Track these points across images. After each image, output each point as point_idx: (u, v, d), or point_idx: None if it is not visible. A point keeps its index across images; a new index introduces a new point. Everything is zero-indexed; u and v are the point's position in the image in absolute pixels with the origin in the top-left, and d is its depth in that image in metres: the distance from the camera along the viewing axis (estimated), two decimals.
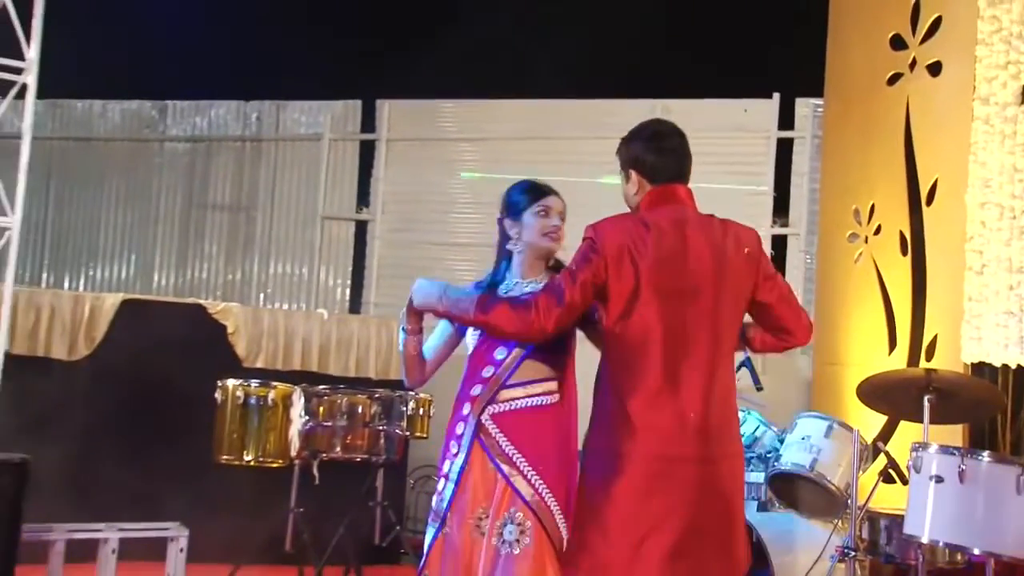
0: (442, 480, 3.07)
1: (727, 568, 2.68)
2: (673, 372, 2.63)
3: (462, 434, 3.03)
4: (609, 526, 2.62)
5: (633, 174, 2.81)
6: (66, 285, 8.40)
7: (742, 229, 2.80)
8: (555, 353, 3.08)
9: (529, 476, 2.96)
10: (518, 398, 3.02)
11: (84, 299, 5.70)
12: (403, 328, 3.07)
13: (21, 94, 5.22)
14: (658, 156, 2.79)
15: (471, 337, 3.14)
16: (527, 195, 3.16)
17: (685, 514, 2.60)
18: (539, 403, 3.03)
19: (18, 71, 5.08)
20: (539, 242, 3.11)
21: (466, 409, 3.04)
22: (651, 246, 2.66)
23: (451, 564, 2.98)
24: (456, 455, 3.04)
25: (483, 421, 3.02)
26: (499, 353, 3.03)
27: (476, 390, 3.03)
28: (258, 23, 7.91)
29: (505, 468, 2.97)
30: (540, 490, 2.95)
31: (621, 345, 2.68)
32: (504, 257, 3.20)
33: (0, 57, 5.02)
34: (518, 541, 2.92)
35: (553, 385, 3.05)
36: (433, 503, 3.09)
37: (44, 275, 8.52)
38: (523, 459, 2.98)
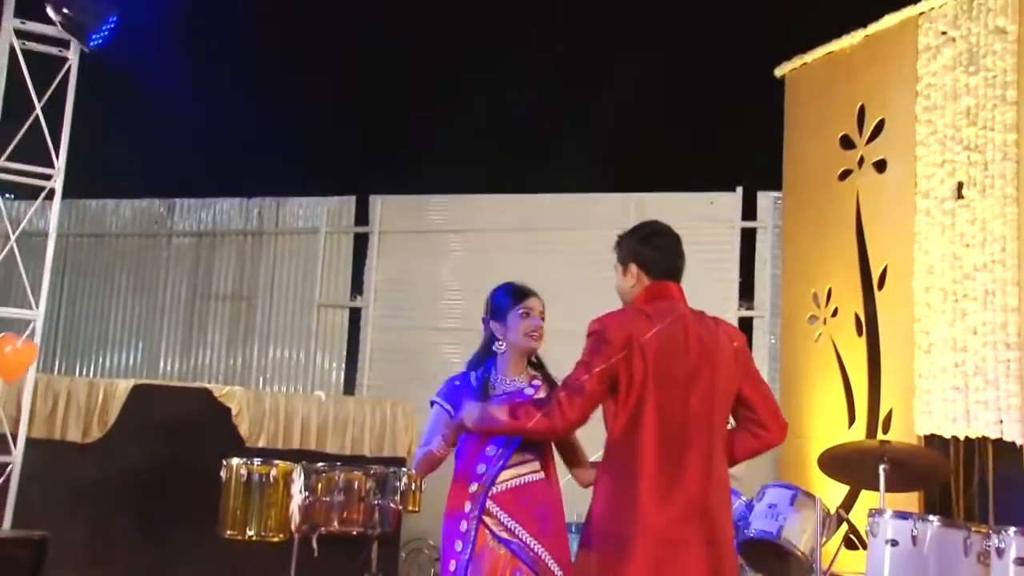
0: None
1: None
2: (676, 458, 2.75)
3: (466, 531, 3.34)
4: None
5: (633, 267, 2.97)
6: (77, 372, 8.76)
7: (730, 327, 3.05)
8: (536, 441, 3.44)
9: (528, 542, 3.30)
10: (510, 479, 3.36)
11: (98, 385, 6.01)
12: (442, 436, 3.36)
13: (47, 196, 5.69)
14: (657, 252, 2.97)
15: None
16: (510, 297, 3.51)
17: None
18: (528, 480, 3.38)
19: (47, 177, 5.56)
20: (522, 342, 3.46)
21: (467, 507, 3.36)
22: (654, 337, 2.80)
23: None
24: (461, 552, 3.34)
25: (487, 506, 3.34)
26: (489, 450, 3.38)
27: (473, 487, 3.37)
28: (259, 125, 8.42)
29: (506, 537, 3.30)
30: (539, 552, 3.29)
31: (628, 431, 2.79)
32: (489, 355, 3.52)
33: (31, 165, 5.49)
34: None
35: (537, 465, 3.41)
36: None
37: (56, 363, 8.89)
38: (521, 528, 3.32)
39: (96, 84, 6.83)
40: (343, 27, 8.41)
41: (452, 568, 3.35)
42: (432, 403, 3.56)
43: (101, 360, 8.93)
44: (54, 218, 5.60)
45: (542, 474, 3.41)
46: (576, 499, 3.57)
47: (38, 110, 5.56)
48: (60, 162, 5.58)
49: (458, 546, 3.35)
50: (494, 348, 3.51)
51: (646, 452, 2.75)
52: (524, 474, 3.39)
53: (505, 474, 3.37)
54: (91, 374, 8.77)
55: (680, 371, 2.80)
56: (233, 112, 8.20)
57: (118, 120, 8.01)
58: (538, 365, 3.58)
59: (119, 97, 8.12)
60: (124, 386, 6.05)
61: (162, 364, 8.81)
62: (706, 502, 2.77)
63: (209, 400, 6.11)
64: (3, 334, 5.43)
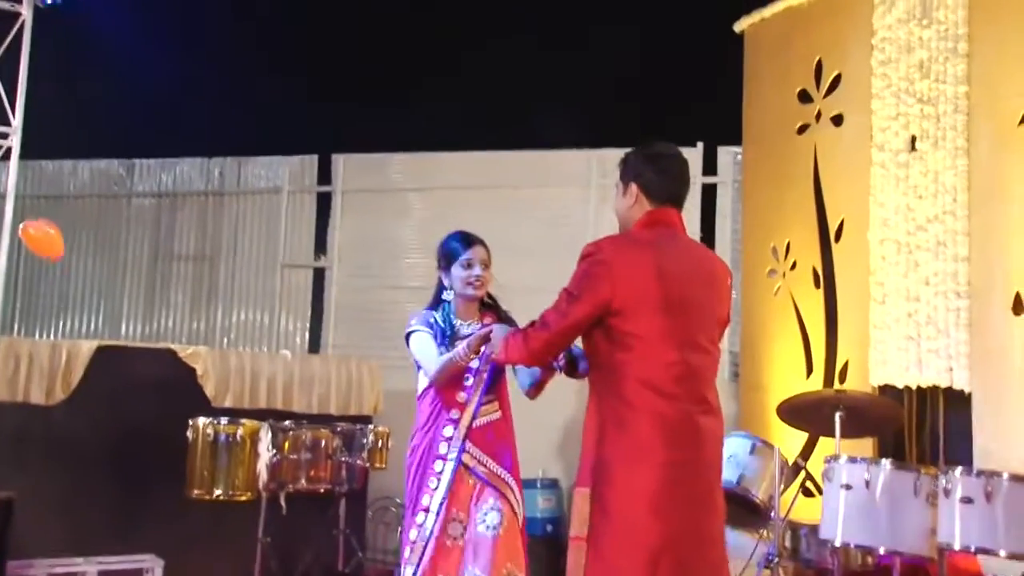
0: (421, 513, 3.55)
1: (719, 520, 2.83)
2: (684, 378, 2.72)
3: (441, 471, 3.57)
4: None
5: (633, 187, 2.88)
6: (37, 335, 8.69)
7: (722, 262, 3.08)
8: (498, 379, 3.69)
9: (497, 471, 3.60)
10: (483, 417, 3.63)
11: (61, 346, 5.95)
12: (468, 344, 3.43)
13: (3, 156, 5.62)
14: (662, 176, 2.89)
15: (424, 377, 3.67)
16: (454, 247, 3.73)
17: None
18: (494, 419, 3.66)
19: (3, 136, 5.49)
20: (463, 291, 3.69)
21: (443, 448, 3.60)
22: (652, 262, 2.74)
23: None
24: (435, 489, 3.56)
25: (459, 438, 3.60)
26: (460, 396, 3.62)
27: (448, 430, 3.61)
28: (219, 84, 8.35)
29: (481, 471, 3.58)
30: (506, 479, 3.60)
31: (631, 357, 2.73)
32: (440, 302, 3.75)
33: None
34: (499, 524, 3.53)
35: (496, 405, 3.68)
36: (412, 535, 3.54)
37: (16, 325, 8.82)
38: (491, 459, 3.61)
39: (51, 41, 6.73)
40: None
41: (425, 503, 3.56)
42: (411, 333, 3.70)
43: (61, 323, 8.87)
44: (12, 178, 5.53)
45: (499, 412, 3.69)
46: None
47: None
48: (16, 120, 5.51)
49: (432, 483, 3.57)
50: (443, 296, 3.74)
51: (653, 374, 2.71)
52: (492, 412, 3.67)
53: (480, 411, 3.63)
54: (52, 337, 8.70)
55: (680, 297, 2.75)
56: (193, 71, 8.12)
57: (75, 79, 7.89)
58: (491, 305, 3.80)
59: (75, 55, 8.00)
60: (88, 347, 6.01)
61: (124, 326, 8.77)
62: (712, 421, 2.78)
63: (174, 360, 6.10)
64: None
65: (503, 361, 3.21)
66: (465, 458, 3.60)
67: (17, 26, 5.94)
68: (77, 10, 6.86)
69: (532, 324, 2.89)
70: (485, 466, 3.60)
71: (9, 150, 5.48)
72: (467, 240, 3.74)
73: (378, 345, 7.47)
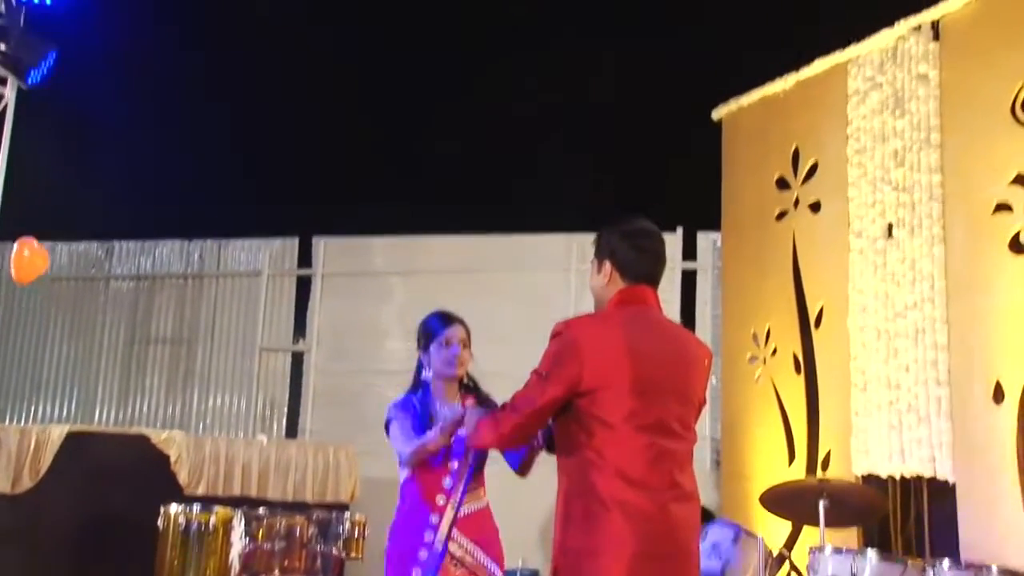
0: None
1: None
2: (655, 463, 2.63)
3: (427, 559, 3.46)
4: None
5: (608, 265, 2.81)
6: (8, 420, 8.53)
7: (700, 341, 2.99)
8: (481, 465, 3.60)
9: (488, 566, 3.50)
10: (469, 504, 3.51)
11: (30, 432, 5.88)
12: (440, 428, 3.35)
13: None
14: (637, 253, 2.81)
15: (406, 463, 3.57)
16: (432, 326, 3.68)
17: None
18: (480, 506, 3.55)
19: None
20: (441, 370, 3.60)
21: (428, 536, 3.48)
22: (623, 342, 2.66)
23: None
24: None
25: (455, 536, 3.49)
26: (446, 482, 3.51)
27: (435, 518, 3.48)
28: (201, 166, 8.39)
29: (469, 561, 3.47)
30: (496, 574, 3.50)
31: (600, 441, 2.63)
32: (420, 384, 3.66)
33: None
34: None
35: (482, 491, 3.59)
36: None
37: None
38: (481, 552, 3.50)
39: (32, 123, 6.76)
40: (284, 71, 8.44)
41: None
42: (389, 421, 3.62)
43: (33, 408, 8.73)
44: None
45: (485, 499, 3.59)
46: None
47: None
48: None
49: (416, 573, 3.44)
50: (423, 376, 3.65)
51: (624, 461, 2.61)
52: (479, 499, 3.57)
53: (467, 498, 3.53)
54: (22, 422, 8.55)
55: (653, 380, 2.67)
56: (173, 153, 8.17)
57: (55, 160, 7.91)
58: (471, 388, 3.70)
59: (56, 136, 8.03)
60: (58, 432, 5.93)
61: (98, 411, 8.65)
62: (683, 512, 2.67)
63: (147, 446, 6.02)
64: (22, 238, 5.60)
65: (476, 446, 3.15)
66: (452, 547, 3.49)
67: (0, 107, 5.96)
68: (60, 92, 6.91)
69: (503, 407, 2.82)
70: (472, 556, 3.50)
71: None
72: (446, 319, 3.69)
73: (356, 430, 7.37)
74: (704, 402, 2.90)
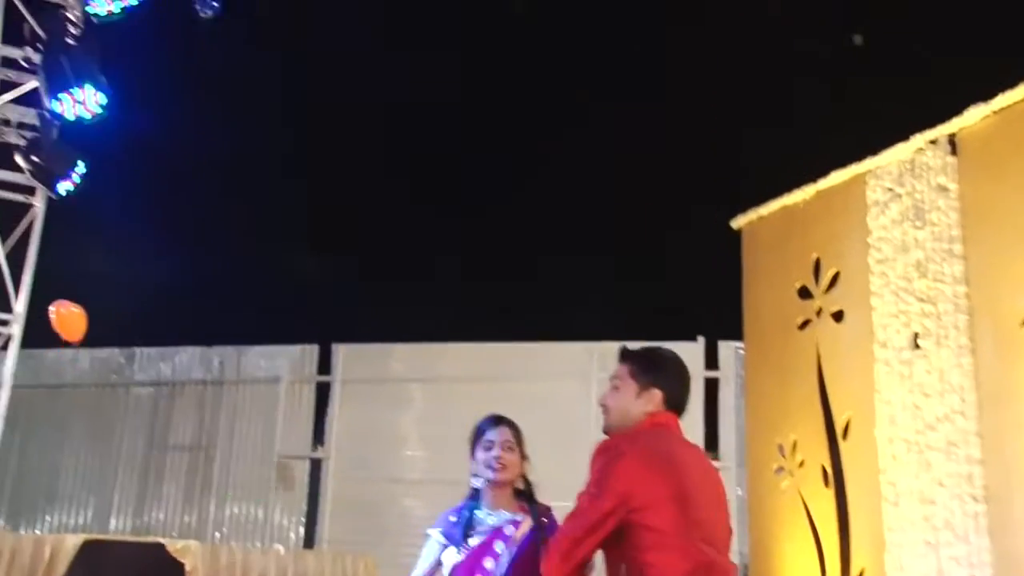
0: None
1: None
2: (709, 572, 2.66)
3: None
4: None
5: (657, 394, 2.87)
6: (23, 530, 8.43)
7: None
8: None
9: None
10: None
11: (44, 541, 5.78)
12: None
13: (2, 346, 5.62)
14: (683, 390, 2.95)
15: (447, 567, 3.46)
16: (478, 430, 3.55)
17: None
18: None
19: (4, 323, 5.49)
20: (483, 474, 3.45)
21: None
22: (668, 459, 2.74)
23: None
24: None
25: None
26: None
27: None
28: (219, 274, 8.48)
29: None
30: None
31: (655, 552, 2.64)
32: (474, 493, 3.51)
33: None
34: None
35: None
36: None
37: (0, 521, 8.55)
38: None
39: (57, 232, 6.86)
40: (300, 177, 8.59)
41: None
42: (427, 535, 3.52)
43: (48, 517, 8.61)
44: (9, 366, 5.51)
45: None
46: None
47: (1, 257, 5.55)
48: (20, 308, 5.54)
49: None
50: (472, 483, 3.50)
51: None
52: None
53: None
54: (37, 531, 8.43)
55: (700, 498, 2.73)
56: (194, 261, 8.27)
57: (72, 267, 8.00)
58: (525, 495, 3.52)
59: (80, 246, 8.15)
60: (73, 542, 5.81)
61: (114, 521, 8.55)
62: None
63: (162, 556, 5.88)
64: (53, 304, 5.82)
65: None
66: None
67: (28, 218, 6.07)
68: (85, 202, 7.03)
69: (557, 542, 2.75)
70: None
71: (9, 338, 5.48)
72: (492, 420, 3.58)
73: (375, 539, 7.26)
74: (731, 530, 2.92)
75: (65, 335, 5.99)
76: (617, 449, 2.74)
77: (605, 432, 2.95)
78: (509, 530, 3.46)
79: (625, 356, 2.99)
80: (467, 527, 3.48)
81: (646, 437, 2.85)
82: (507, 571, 3.38)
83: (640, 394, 2.90)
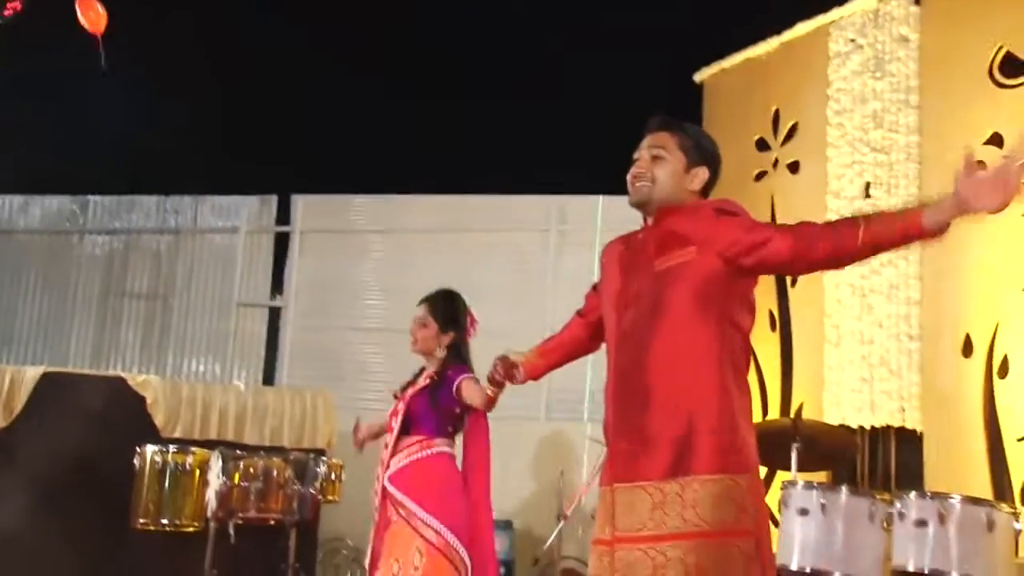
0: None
1: None
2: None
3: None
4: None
5: (704, 173, 2.75)
6: None
7: None
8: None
9: (419, 513, 3.81)
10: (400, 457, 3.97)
11: (4, 372, 5.81)
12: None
13: None
14: (718, 178, 2.83)
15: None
16: None
17: None
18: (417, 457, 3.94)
19: None
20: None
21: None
22: None
23: None
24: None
25: (385, 486, 3.93)
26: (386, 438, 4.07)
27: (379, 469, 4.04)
28: (179, 121, 8.33)
29: (402, 512, 3.84)
30: (430, 522, 3.79)
31: (746, 318, 2.69)
32: None
33: None
34: (421, 563, 3.73)
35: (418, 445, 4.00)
36: None
37: None
38: (411, 502, 3.84)
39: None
40: (266, 22, 8.39)
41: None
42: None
43: (5, 358, 8.61)
44: None
45: (430, 449, 4.05)
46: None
47: None
48: None
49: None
50: None
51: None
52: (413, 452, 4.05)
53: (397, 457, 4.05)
54: None
55: None
56: (151, 105, 8.09)
57: (27, 110, 7.81)
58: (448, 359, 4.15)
59: (31, 90, 7.93)
60: (33, 373, 5.88)
61: (71, 366, 8.53)
62: None
63: (123, 388, 5.96)
64: None
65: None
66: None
67: None
68: (34, 41, 6.82)
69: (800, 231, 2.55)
70: (405, 507, 3.85)
71: None
72: (421, 300, 4.27)
73: (332, 386, 7.34)
74: None
75: (90, 26, 5.99)
76: (741, 208, 2.69)
77: (638, 206, 2.79)
78: (408, 391, 4.13)
79: (669, 125, 2.79)
80: (407, 384, 4.22)
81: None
82: (406, 423, 4.06)
83: (688, 169, 2.74)
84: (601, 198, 7.67)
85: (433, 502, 3.82)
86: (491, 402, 3.72)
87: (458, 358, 4.10)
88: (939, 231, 2.35)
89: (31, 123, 7.98)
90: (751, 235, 2.56)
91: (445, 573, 3.69)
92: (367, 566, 4.02)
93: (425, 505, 3.80)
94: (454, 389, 3.95)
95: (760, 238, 2.54)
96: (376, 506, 4.06)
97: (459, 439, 4.14)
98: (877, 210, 2.73)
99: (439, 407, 4.00)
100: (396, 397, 4.21)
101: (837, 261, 2.52)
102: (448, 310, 4.18)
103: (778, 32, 6.42)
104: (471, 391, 3.88)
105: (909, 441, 5.42)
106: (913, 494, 4.05)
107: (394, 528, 3.86)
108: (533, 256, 7.82)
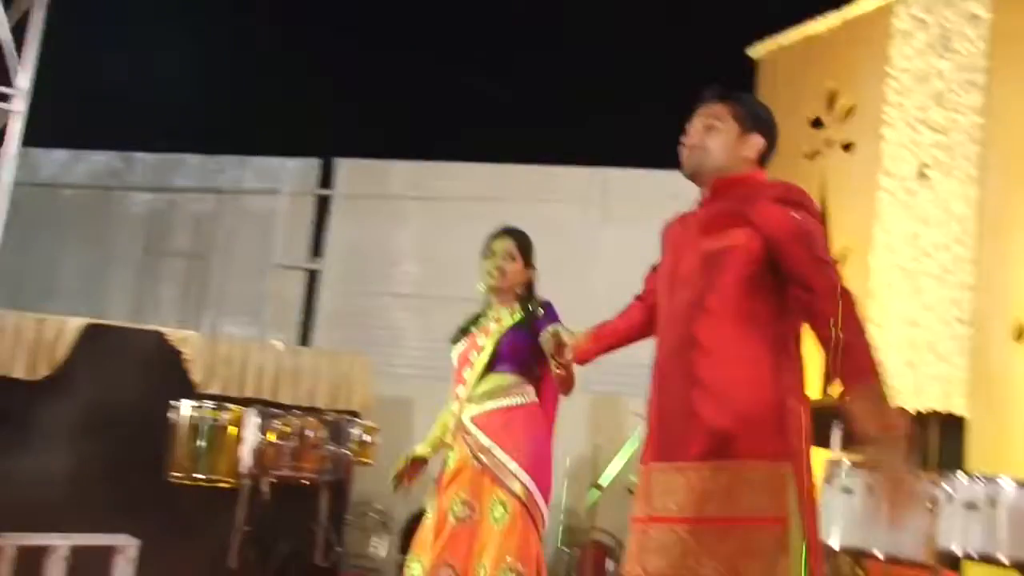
0: None
1: None
2: None
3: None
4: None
5: (759, 141, 2.70)
6: None
7: None
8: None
9: (509, 464, 3.50)
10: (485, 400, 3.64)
11: (48, 322, 5.87)
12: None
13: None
14: (775, 145, 2.78)
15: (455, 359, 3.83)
16: (485, 242, 3.84)
17: None
18: (508, 404, 3.62)
19: (6, 97, 5.37)
20: (485, 280, 3.77)
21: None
22: None
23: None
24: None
25: (464, 423, 3.64)
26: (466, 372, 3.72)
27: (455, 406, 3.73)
28: (226, 81, 8.31)
29: (485, 459, 3.53)
30: (519, 475, 3.48)
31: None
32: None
33: None
34: (503, 517, 3.45)
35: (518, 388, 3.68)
36: None
37: None
38: (500, 450, 3.52)
39: (59, 23, 6.67)
40: None
41: None
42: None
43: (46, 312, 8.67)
44: (14, 149, 5.41)
45: (521, 399, 3.71)
46: None
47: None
48: (23, 81, 5.40)
49: None
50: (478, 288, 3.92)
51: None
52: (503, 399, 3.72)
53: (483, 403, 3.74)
54: None
55: None
56: (198, 67, 8.07)
57: (73, 66, 7.81)
58: (525, 298, 3.82)
59: (80, 43, 7.93)
60: (75, 324, 5.91)
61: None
62: None
63: (162, 343, 5.99)
64: None
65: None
66: (466, 436, 3.65)
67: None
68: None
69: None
70: (489, 454, 3.56)
71: (5, 125, 5.33)
72: (501, 232, 3.83)
73: (367, 350, 7.35)
74: None
75: None
76: (813, 206, 2.61)
77: (691, 177, 2.74)
78: (492, 326, 3.74)
79: (722, 96, 2.74)
80: (469, 324, 3.83)
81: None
82: (493, 359, 3.68)
83: (742, 137, 2.69)
84: (645, 172, 7.54)
85: (526, 457, 3.52)
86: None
87: (536, 297, 3.80)
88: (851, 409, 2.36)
89: (81, 78, 7.99)
90: (812, 273, 2.55)
91: (530, 534, 3.43)
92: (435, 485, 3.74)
93: (519, 459, 3.50)
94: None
95: (816, 285, 2.56)
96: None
97: None
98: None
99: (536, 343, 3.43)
100: (457, 341, 3.86)
101: (825, 343, 2.51)
102: (530, 246, 3.83)
103: (838, 7, 6.25)
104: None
105: (952, 427, 5.31)
106: (963, 476, 3.95)
107: (471, 473, 3.57)
108: (573, 229, 7.73)
